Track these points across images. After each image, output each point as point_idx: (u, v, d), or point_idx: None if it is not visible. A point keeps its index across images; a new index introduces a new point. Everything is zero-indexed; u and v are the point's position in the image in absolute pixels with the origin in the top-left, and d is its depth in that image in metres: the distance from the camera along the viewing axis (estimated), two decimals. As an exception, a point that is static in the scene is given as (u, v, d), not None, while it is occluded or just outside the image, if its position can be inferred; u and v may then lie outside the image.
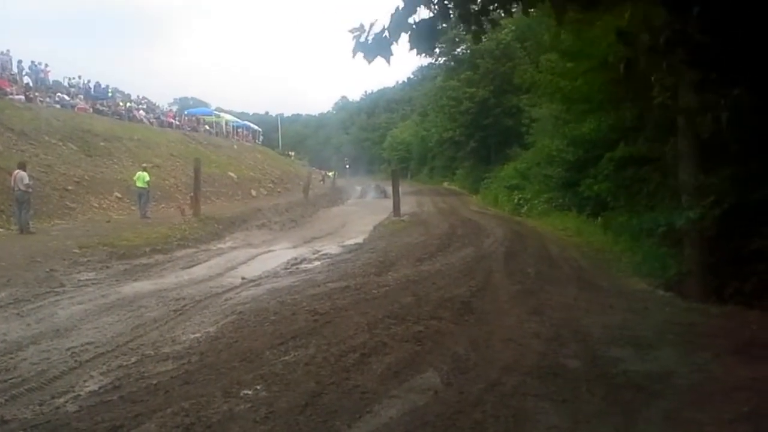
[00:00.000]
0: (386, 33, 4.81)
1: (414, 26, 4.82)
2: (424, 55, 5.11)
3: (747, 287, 8.77)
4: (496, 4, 5.37)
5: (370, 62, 4.85)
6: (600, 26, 11.32)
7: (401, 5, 4.78)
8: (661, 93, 10.20)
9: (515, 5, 5.67)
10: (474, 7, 5.22)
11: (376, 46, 4.84)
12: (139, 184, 21.07)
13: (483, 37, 6.06)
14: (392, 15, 4.81)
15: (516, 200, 28.67)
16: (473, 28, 5.26)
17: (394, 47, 4.89)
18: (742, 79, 7.02)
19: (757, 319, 7.42)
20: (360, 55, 4.84)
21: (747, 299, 8.56)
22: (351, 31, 4.82)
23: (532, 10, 6.85)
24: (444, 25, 5.13)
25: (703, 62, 6.72)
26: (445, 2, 5.00)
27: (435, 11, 4.95)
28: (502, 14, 5.76)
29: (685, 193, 10.08)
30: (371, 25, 4.80)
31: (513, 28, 38.20)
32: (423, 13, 4.94)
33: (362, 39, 4.82)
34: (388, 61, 4.91)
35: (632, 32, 7.24)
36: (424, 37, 4.90)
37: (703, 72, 7.29)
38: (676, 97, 10.18)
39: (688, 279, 10.02)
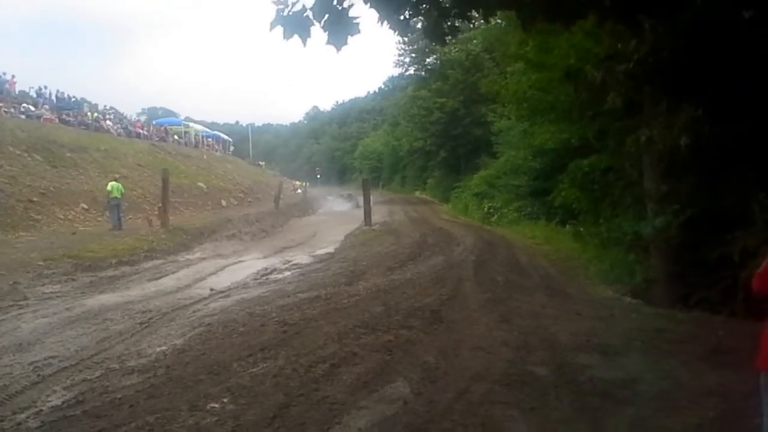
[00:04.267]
0: (308, 12, 4.76)
1: (330, 11, 4.74)
2: (335, 48, 4.94)
3: (712, 294, 8.89)
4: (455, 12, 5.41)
5: (286, 39, 4.78)
6: (564, 38, 11.50)
7: None
8: (616, 102, 10.34)
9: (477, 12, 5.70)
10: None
11: (295, 24, 4.77)
12: (115, 194, 20.67)
13: (453, 48, 6.14)
14: None
15: (486, 209, 28.88)
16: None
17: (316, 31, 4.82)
18: (698, 96, 7.25)
19: (723, 325, 7.53)
20: (278, 30, 4.77)
21: (713, 306, 8.69)
22: (274, 2, 4.75)
23: (499, 21, 6.97)
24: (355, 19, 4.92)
25: (652, 79, 6.93)
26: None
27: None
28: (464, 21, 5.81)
29: (650, 201, 10.21)
30: (294, 2, 4.75)
31: (481, 39, 38.67)
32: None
33: (284, 13, 4.74)
34: (304, 43, 4.86)
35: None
36: (339, 26, 4.82)
37: (656, 89, 7.51)
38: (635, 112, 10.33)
39: (655, 286, 10.14)
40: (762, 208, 8.07)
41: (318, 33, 4.86)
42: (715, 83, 7.93)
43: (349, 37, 4.90)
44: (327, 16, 4.75)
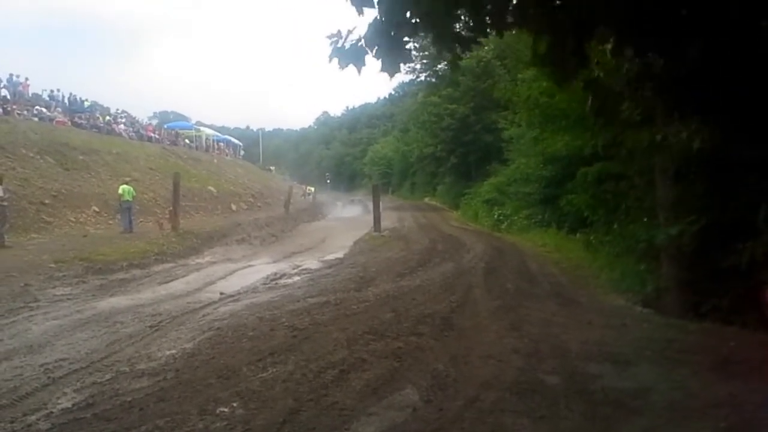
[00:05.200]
0: (362, 42, 5.03)
1: (382, 41, 5.01)
2: (389, 75, 5.27)
3: (724, 303, 8.79)
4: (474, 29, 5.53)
5: (342, 69, 5.08)
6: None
7: (379, 17, 4.96)
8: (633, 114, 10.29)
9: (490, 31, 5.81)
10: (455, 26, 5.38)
11: (351, 54, 5.07)
12: (127, 197, 20.82)
13: (462, 57, 6.18)
14: (369, 25, 4.99)
15: (496, 216, 28.81)
16: (450, 51, 5.48)
17: (369, 59, 5.10)
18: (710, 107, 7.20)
19: (735, 335, 7.44)
20: (335, 60, 5.09)
21: (724, 315, 8.59)
22: (329, 37, 5.07)
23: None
24: (411, 43, 5.30)
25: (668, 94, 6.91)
26: (415, 20, 5.12)
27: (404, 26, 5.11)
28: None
29: (662, 209, 10.14)
30: (348, 32, 5.04)
31: (493, 46, 38.64)
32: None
33: (339, 45, 5.05)
34: (359, 71, 5.15)
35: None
36: (391, 53, 5.08)
37: (671, 101, 7.48)
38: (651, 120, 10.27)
39: (666, 295, 10.05)
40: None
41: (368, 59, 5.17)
42: (727, 95, 7.86)
43: (402, 64, 5.24)
44: (377, 46, 5.01)
